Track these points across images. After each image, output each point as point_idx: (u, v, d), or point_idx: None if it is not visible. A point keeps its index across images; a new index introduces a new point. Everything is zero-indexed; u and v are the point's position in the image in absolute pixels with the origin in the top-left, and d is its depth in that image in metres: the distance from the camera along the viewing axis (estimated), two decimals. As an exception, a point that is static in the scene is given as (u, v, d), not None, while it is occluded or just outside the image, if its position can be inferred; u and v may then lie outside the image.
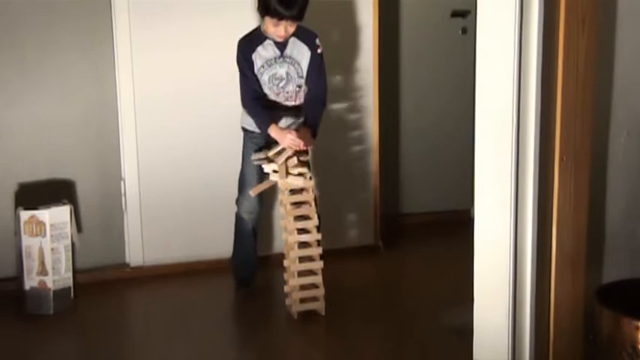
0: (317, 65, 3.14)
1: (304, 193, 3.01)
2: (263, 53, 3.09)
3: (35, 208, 3.14)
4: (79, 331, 3.06)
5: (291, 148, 3.00)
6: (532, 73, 2.06)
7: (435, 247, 3.97)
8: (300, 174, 2.99)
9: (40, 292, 3.15)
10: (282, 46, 3.09)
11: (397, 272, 3.66)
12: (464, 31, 4.32)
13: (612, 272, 2.30)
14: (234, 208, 3.26)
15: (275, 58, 3.10)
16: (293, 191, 3.01)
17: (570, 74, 2.07)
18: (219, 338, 2.96)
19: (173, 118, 3.58)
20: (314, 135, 3.10)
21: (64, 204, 3.22)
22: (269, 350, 2.80)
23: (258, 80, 3.11)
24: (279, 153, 3.02)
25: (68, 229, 3.20)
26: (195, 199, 3.60)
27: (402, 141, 4.35)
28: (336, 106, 3.78)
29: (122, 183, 3.54)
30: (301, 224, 2.97)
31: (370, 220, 3.90)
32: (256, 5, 3.06)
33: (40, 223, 3.13)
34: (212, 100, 3.60)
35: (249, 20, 3.50)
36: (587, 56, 2.08)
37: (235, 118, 3.32)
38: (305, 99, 3.18)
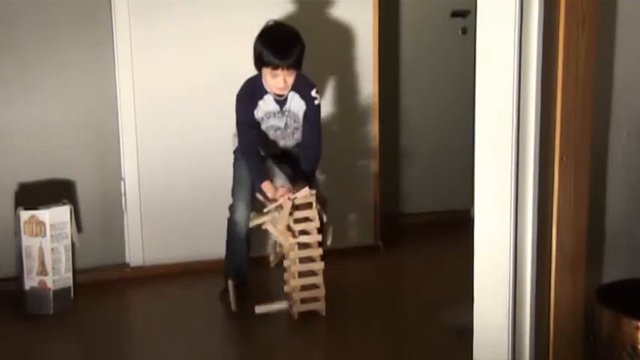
0: (312, 116, 3.12)
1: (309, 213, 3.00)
2: (263, 107, 3.09)
3: (35, 208, 3.14)
4: (79, 331, 3.06)
5: (284, 198, 2.97)
6: (532, 73, 2.06)
7: (435, 247, 3.97)
8: (303, 231, 2.99)
9: (40, 292, 3.15)
10: (282, 101, 3.08)
11: (397, 272, 3.66)
12: (464, 31, 4.33)
13: (612, 272, 2.30)
14: (234, 209, 3.26)
15: (275, 113, 3.10)
16: (298, 207, 2.99)
17: (570, 74, 2.07)
18: (219, 338, 2.96)
19: (173, 118, 3.58)
20: (310, 186, 3.04)
21: (64, 204, 3.22)
22: (269, 350, 2.80)
23: (257, 125, 3.13)
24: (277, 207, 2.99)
25: (68, 229, 3.20)
26: (196, 199, 3.60)
27: (402, 141, 4.35)
28: (337, 107, 3.78)
29: (122, 183, 3.55)
30: (302, 226, 2.97)
31: (370, 220, 3.90)
32: (253, 60, 3.02)
33: (40, 223, 3.13)
34: (212, 99, 3.60)
35: (249, 19, 3.50)
36: (587, 56, 2.08)
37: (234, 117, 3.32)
38: (300, 151, 3.17)
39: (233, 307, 3.06)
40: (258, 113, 3.10)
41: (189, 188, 3.61)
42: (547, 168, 2.10)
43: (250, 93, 3.08)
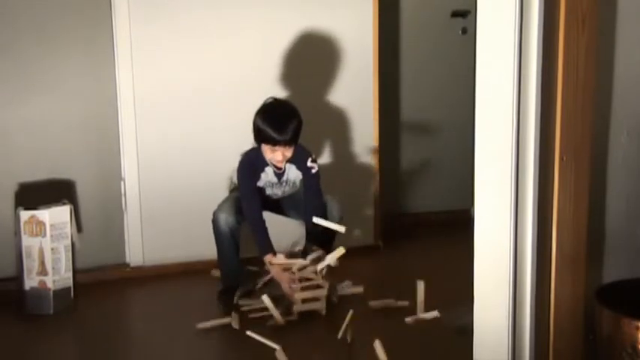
0: (312, 185, 3.24)
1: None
2: (264, 177, 3.22)
3: (35, 208, 3.15)
4: (79, 331, 3.06)
5: (287, 290, 3.01)
6: (532, 74, 2.06)
7: (435, 247, 3.97)
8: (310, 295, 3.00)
9: (40, 292, 3.15)
10: (280, 174, 3.21)
11: (398, 272, 3.66)
12: (464, 31, 4.33)
13: (612, 272, 2.30)
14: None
15: (273, 183, 3.24)
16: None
17: (570, 75, 2.07)
18: (218, 338, 2.96)
19: (173, 117, 3.58)
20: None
21: (64, 204, 3.22)
22: (269, 350, 2.80)
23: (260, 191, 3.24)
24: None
25: (68, 229, 3.20)
26: (196, 199, 3.60)
27: (402, 141, 4.35)
28: (336, 106, 3.78)
29: (122, 183, 3.55)
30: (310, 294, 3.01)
31: (370, 220, 3.90)
32: (253, 135, 3.12)
33: (40, 223, 3.13)
34: (213, 99, 3.61)
35: (252, 17, 3.51)
36: (587, 56, 2.08)
37: (235, 117, 3.32)
38: (305, 214, 3.23)
39: (278, 319, 2.98)
40: (260, 182, 3.23)
41: (189, 188, 3.61)
42: (547, 168, 2.10)
43: (252, 165, 3.20)
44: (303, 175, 3.24)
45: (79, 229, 3.34)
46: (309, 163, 3.23)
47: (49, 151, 3.44)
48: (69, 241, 3.22)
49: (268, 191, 3.27)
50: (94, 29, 3.45)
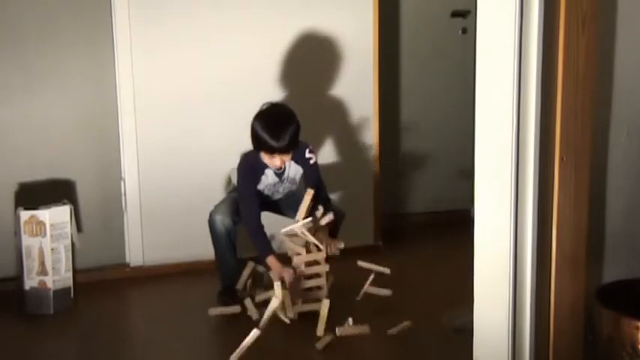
0: (312, 175, 3.22)
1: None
2: (264, 180, 3.19)
3: (35, 208, 3.15)
4: (79, 331, 3.06)
5: (290, 286, 2.99)
6: (532, 73, 2.06)
7: (435, 247, 3.97)
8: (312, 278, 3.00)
9: (40, 292, 3.15)
10: (280, 173, 3.19)
11: (397, 272, 3.66)
12: (464, 31, 4.33)
13: (612, 272, 2.30)
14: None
15: (275, 184, 3.21)
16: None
17: (570, 74, 2.07)
18: (218, 338, 2.96)
19: (173, 118, 3.58)
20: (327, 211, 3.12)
21: (64, 204, 3.22)
22: (269, 350, 2.80)
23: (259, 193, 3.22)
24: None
25: (68, 229, 3.20)
26: (195, 199, 3.60)
27: (402, 141, 4.35)
28: (337, 106, 3.78)
29: (122, 183, 3.55)
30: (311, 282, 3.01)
31: (370, 220, 3.90)
32: (251, 140, 3.09)
33: (40, 223, 3.13)
34: (213, 99, 3.61)
35: (252, 17, 3.51)
36: (587, 56, 2.08)
37: (235, 117, 3.32)
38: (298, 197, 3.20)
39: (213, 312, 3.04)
40: (260, 185, 3.20)
41: (189, 188, 3.61)
42: (547, 168, 2.10)
43: (252, 168, 3.17)
44: (303, 167, 3.21)
45: (79, 229, 3.34)
46: (307, 154, 3.19)
47: (49, 151, 3.45)
48: (69, 241, 3.22)
49: (268, 191, 3.26)
50: (94, 29, 3.45)
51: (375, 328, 2.92)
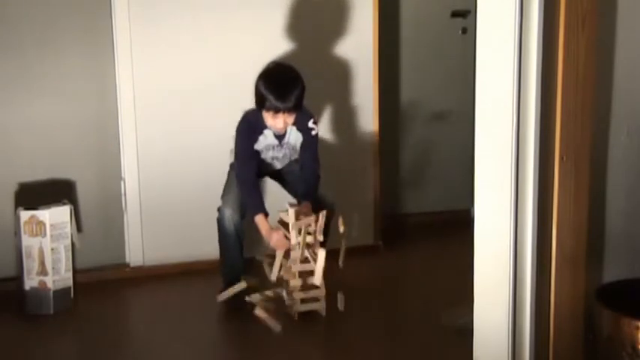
0: (310, 146, 3.17)
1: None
2: (263, 140, 3.14)
3: (35, 208, 3.14)
4: (79, 331, 3.06)
5: (278, 248, 2.98)
6: (532, 73, 2.06)
7: (435, 247, 3.97)
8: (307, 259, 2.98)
9: (40, 292, 3.15)
10: (281, 135, 3.14)
11: (397, 272, 3.66)
12: (464, 31, 4.33)
13: (612, 272, 2.30)
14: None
15: (274, 146, 3.16)
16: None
17: (570, 74, 2.07)
18: (218, 338, 2.96)
19: (173, 117, 3.58)
20: (313, 205, 3.08)
21: (64, 204, 3.22)
22: (269, 350, 2.80)
23: (257, 156, 3.17)
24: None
25: (68, 229, 3.20)
26: (196, 199, 3.60)
27: (402, 141, 4.35)
28: (336, 106, 3.78)
29: (122, 183, 3.55)
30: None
31: (370, 220, 3.90)
32: (254, 99, 3.05)
33: (40, 223, 3.13)
34: (213, 99, 3.61)
35: (250, 19, 3.51)
36: (587, 56, 2.07)
37: (236, 117, 3.31)
38: (299, 175, 3.21)
39: (221, 297, 3.07)
40: (258, 146, 3.16)
41: (189, 188, 3.61)
42: (547, 168, 2.10)
43: (251, 128, 3.13)
44: (303, 135, 3.14)
45: (79, 229, 3.34)
46: (310, 124, 3.14)
47: (49, 151, 3.44)
48: (69, 241, 3.22)
49: (268, 154, 3.18)
50: (94, 30, 3.45)
51: (376, 327, 2.92)
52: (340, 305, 2.98)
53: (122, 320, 3.23)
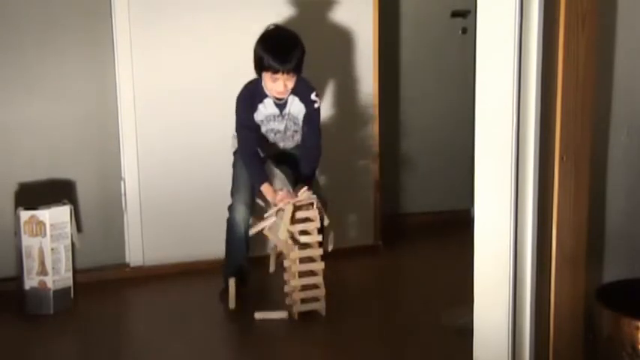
0: (311, 119, 3.14)
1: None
2: (263, 110, 3.11)
3: (35, 208, 3.14)
4: (79, 330, 3.06)
5: (285, 202, 2.95)
6: (532, 73, 2.06)
7: (435, 247, 3.97)
8: (304, 231, 2.97)
9: (40, 292, 3.15)
10: (282, 105, 3.10)
11: (397, 272, 3.66)
12: (464, 31, 4.33)
13: (612, 272, 2.30)
14: (234, 208, 3.26)
15: (274, 116, 3.12)
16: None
17: (570, 74, 2.07)
18: (218, 338, 2.96)
19: (173, 117, 3.58)
20: (310, 187, 3.05)
21: (64, 204, 3.22)
22: (269, 350, 2.80)
23: (257, 128, 3.13)
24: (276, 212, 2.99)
25: (68, 229, 3.20)
26: (196, 199, 3.60)
27: (402, 141, 4.35)
28: (337, 107, 3.78)
29: (122, 183, 3.55)
30: (302, 226, 2.97)
31: (370, 220, 3.90)
32: (254, 64, 3.04)
33: (40, 223, 3.13)
34: (213, 99, 3.61)
35: (250, 19, 3.50)
36: (587, 56, 2.08)
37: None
38: (299, 153, 3.19)
39: (231, 304, 3.07)
40: (258, 116, 3.12)
41: (189, 188, 3.61)
42: (547, 168, 2.10)
43: (250, 96, 3.09)
44: (306, 107, 3.11)
45: (79, 229, 3.34)
46: (312, 97, 3.11)
47: (49, 151, 3.44)
48: (69, 241, 3.22)
49: (269, 126, 3.15)
50: (94, 30, 3.45)
51: (376, 327, 2.92)
52: (330, 245, 2.99)
53: (122, 320, 3.23)
